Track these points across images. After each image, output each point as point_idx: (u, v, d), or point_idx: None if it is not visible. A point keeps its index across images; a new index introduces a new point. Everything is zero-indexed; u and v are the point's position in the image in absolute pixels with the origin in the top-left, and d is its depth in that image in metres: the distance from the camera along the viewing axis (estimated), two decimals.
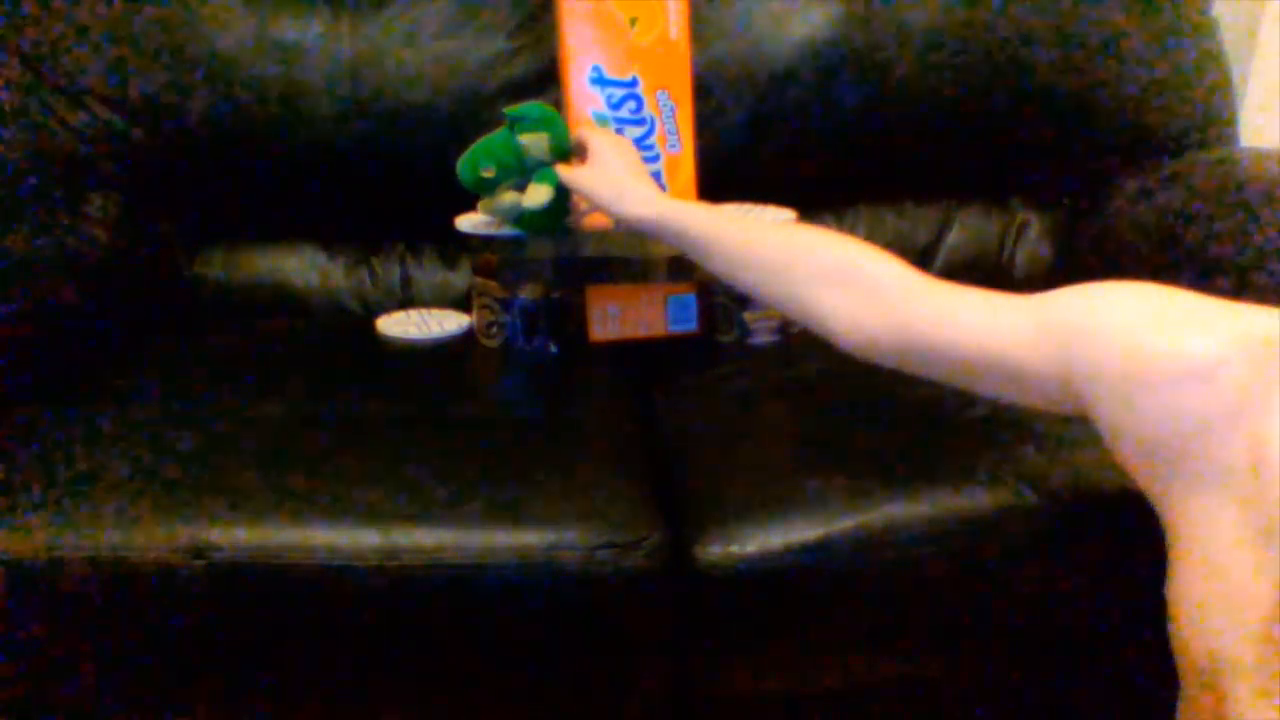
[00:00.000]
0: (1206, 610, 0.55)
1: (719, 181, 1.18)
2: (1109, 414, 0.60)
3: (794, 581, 0.79)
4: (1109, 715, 0.92)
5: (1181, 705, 0.60)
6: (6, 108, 1.19)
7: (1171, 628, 0.59)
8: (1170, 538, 0.59)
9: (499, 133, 0.98)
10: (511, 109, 0.97)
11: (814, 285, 0.75)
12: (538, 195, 0.97)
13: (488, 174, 0.97)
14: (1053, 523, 0.80)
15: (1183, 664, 0.58)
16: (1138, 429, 0.58)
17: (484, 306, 1.12)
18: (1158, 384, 0.57)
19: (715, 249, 0.82)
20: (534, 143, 0.96)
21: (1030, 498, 0.80)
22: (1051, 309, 0.64)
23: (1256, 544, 0.52)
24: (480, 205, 1.02)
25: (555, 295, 1.08)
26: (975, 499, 0.80)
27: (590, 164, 0.93)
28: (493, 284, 1.09)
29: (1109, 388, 0.59)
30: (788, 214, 1.09)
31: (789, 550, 0.78)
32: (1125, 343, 0.59)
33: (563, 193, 0.97)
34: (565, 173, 0.95)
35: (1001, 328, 0.66)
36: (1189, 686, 0.59)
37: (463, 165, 0.98)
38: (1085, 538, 0.81)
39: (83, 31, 1.18)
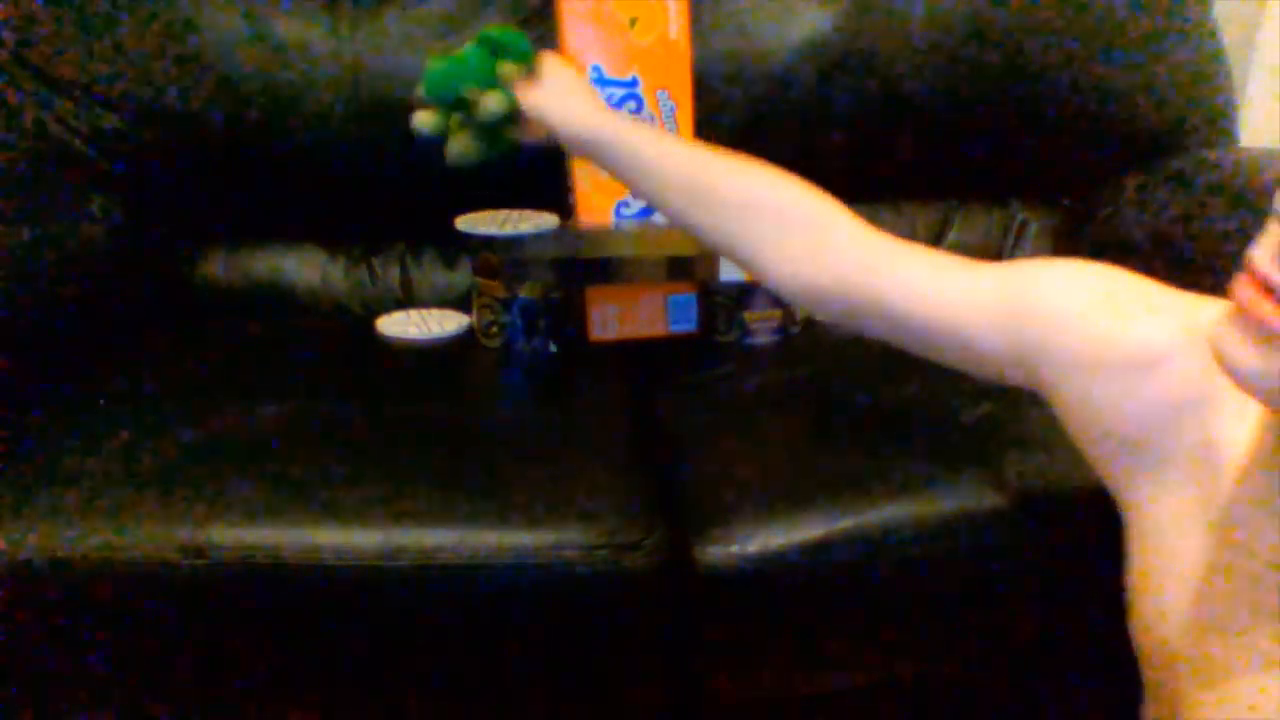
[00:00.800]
0: (1156, 596, 0.56)
1: None
2: (1066, 395, 0.60)
3: (794, 581, 0.79)
4: (1108, 714, 0.92)
5: (1145, 696, 0.60)
6: (7, 108, 1.19)
7: (1128, 617, 0.59)
8: (1125, 523, 0.59)
9: (474, 51, 0.86)
10: (494, 30, 0.87)
11: (760, 225, 0.72)
12: (496, 102, 0.84)
13: (471, 94, 0.84)
14: (1051, 523, 0.80)
15: (1140, 652, 0.59)
16: (1093, 412, 0.58)
17: (484, 306, 1.12)
18: (1111, 368, 0.56)
19: (658, 175, 0.76)
20: (512, 74, 0.85)
21: (1029, 498, 0.80)
22: (1008, 283, 0.63)
23: (1200, 531, 0.53)
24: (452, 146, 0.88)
25: (555, 295, 1.09)
26: (974, 499, 0.80)
27: (541, 80, 0.84)
28: (493, 284, 1.09)
29: (1066, 368, 0.59)
30: None
31: (788, 550, 0.78)
32: (1080, 325, 0.58)
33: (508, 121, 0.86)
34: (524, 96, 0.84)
35: (955, 297, 0.64)
36: (1147, 676, 0.59)
37: (440, 76, 0.85)
38: (1084, 538, 0.81)
39: (83, 31, 1.18)
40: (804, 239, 0.70)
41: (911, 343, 0.68)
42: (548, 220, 1.09)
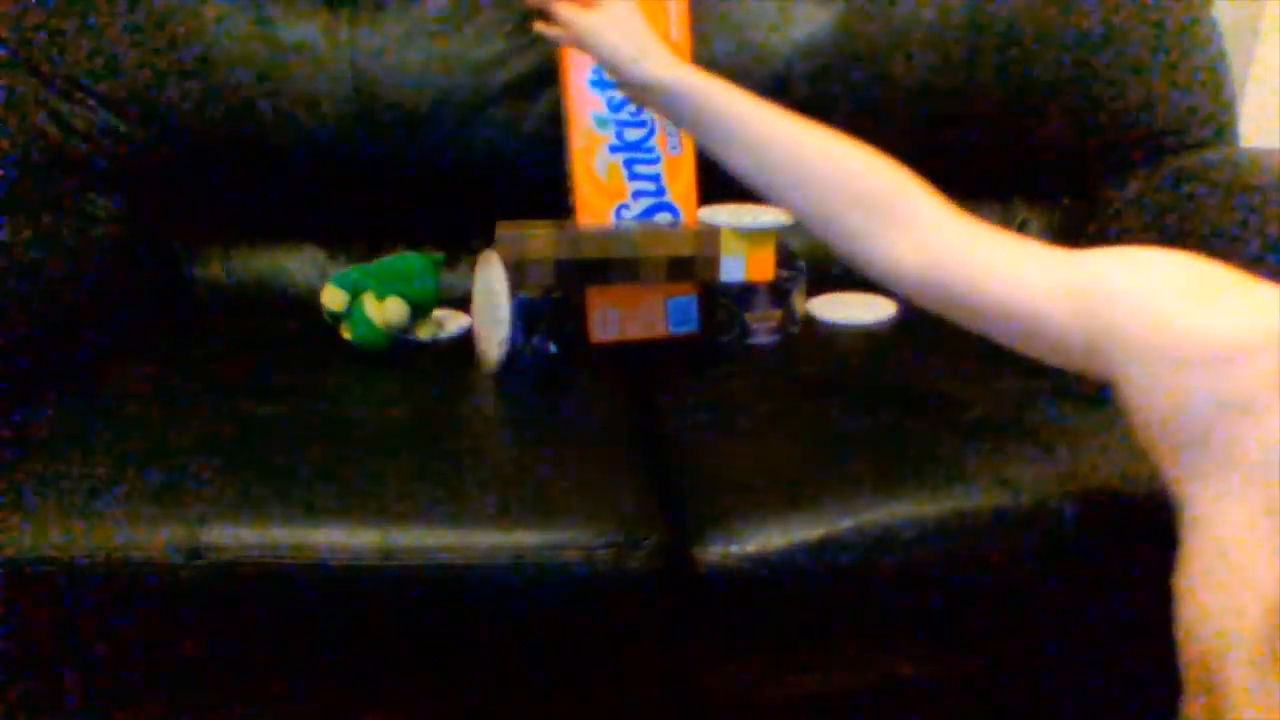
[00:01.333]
0: (1211, 596, 0.54)
1: (718, 181, 1.18)
2: (1132, 384, 0.58)
3: (793, 582, 0.79)
4: (1108, 715, 0.92)
5: (1183, 699, 0.59)
6: (7, 108, 1.19)
7: (1177, 615, 0.57)
8: (1182, 520, 0.57)
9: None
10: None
11: (851, 208, 0.71)
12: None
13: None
14: (1049, 524, 0.80)
15: (1186, 654, 0.57)
16: (1160, 404, 0.56)
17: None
18: (1185, 361, 0.55)
19: (744, 138, 0.74)
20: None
21: (1027, 499, 0.80)
22: (1085, 268, 0.62)
23: (1268, 534, 0.51)
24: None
25: (555, 295, 1.08)
26: (972, 500, 0.80)
27: (601, 11, 0.80)
28: None
29: (1134, 357, 0.57)
30: (784, 218, 1.09)
31: (788, 550, 0.78)
32: (1156, 314, 0.57)
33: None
34: (575, 19, 0.81)
35: (1032, 280, 0.63)
36: (1190, 679, 0.58)
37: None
38: (1082, 539, 0.81)
39: (83, 31, 1.18)
40: (893, 225, 0.70)
41: (995, 329, 0.67)
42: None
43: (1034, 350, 0.66)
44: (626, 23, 0.79)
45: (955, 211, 0.70)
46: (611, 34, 0.79)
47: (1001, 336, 0.67)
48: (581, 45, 0.82)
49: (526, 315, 1.08)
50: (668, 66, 0.78)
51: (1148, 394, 0.57)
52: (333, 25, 1.21)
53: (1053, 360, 0.66)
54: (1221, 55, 1.30)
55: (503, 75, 1.23)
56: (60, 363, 1.03)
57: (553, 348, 1.10)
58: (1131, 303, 0.58)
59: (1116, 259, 0.61)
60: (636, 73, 0.78)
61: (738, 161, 0.76)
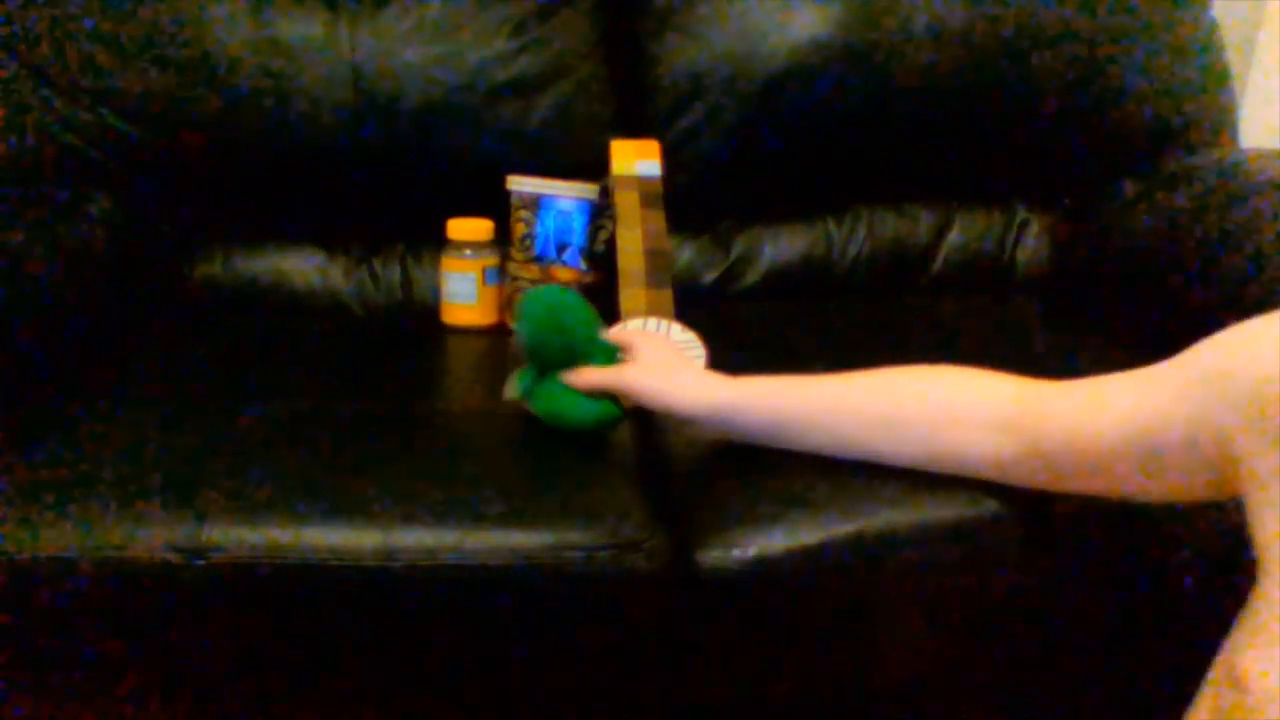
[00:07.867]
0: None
1: (719, 181, 1.18)
2: (1264, 470, 0.50)
3: (794, 585, 0.79)
4: (1107, 717, 0.92)
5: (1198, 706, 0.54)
6: (7, 108, 1.19)
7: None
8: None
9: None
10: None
11: (933, 429, 0.71)
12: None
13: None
14: (1051, 528, 0.80)
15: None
16: None
17: (519, 220, 1.14)
18: None
19: (798, 422, 0.77)
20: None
21: (1028, 503, 0.80)
22: (1192, 363, 0.56)
23: None
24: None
25: (588, 282, 1.09)
26: (974, 504, 0.80)
27: (630, 359, 0.85)
28: (528, 266, 1.13)
29: (1267, 439, 0.49)
30: (698, 351, 1.01)
31: (789, 554, 0.78)
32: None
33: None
34: (607, 375, 0.84)
35: (1141, 407, 0.58)
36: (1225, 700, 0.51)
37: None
38: (1084, 544, 0.81)
39: (83, 31, 1.18)
40: (981, 426, 0.69)
41: (1105, 481, 0.64)
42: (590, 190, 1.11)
43: (1151, 486, 0.61)
44: (657, 364, 0.83)
45: (1034, 381, 0.67)
46: (635, 374, 0.83)
47: (1117, 484, 0.63)
48: (629, 396, 0.84)
49: (560, 223, 1.10)
50: (694, 391, 0.80)
51: None
52: (333, 25, 1.21)
53: (1169, 492, 0.61)
54: (1221, 55, 1.30)
55: (503, 75, 1.23)
56: (59, 363, 1.03)
57: (584, 265, 1.12)
58: (1253, 380, 0.51)
59: (1224, 342, 0.55)
60: (665, 404, 0.81)
61: (804, 445, 0.78)
